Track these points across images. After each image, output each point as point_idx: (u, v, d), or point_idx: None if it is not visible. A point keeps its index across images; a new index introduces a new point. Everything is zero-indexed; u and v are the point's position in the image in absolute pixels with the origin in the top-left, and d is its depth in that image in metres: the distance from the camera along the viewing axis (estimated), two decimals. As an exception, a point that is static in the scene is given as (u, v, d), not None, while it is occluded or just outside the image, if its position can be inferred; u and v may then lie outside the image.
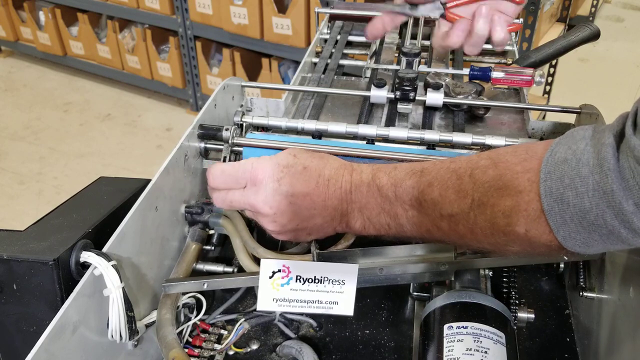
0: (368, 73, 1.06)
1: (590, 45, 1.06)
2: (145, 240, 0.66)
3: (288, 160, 0.63)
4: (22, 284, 0.57)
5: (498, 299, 0.64)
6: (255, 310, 0.74)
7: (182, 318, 0.72)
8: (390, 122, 0.89)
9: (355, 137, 0.83)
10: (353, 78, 1.09)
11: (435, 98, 0.87)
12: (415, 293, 0.75)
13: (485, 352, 0.57)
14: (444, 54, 1.09)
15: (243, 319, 0.73)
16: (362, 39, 1.22)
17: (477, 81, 0.93)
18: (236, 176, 0.64)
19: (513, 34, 1.18)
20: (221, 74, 2.88)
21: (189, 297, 0.71)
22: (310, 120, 0.84)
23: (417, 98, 0.88)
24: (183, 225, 0.77)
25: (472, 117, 0.93)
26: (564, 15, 2.64)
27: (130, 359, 0.65)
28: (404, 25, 1.14)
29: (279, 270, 0.63)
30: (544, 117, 1.86)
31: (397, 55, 1.09)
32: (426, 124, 0.90)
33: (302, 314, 0.73)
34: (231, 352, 0.71)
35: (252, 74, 2.82)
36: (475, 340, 0.58)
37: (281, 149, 0.75)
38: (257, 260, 0.70)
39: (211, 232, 0.78)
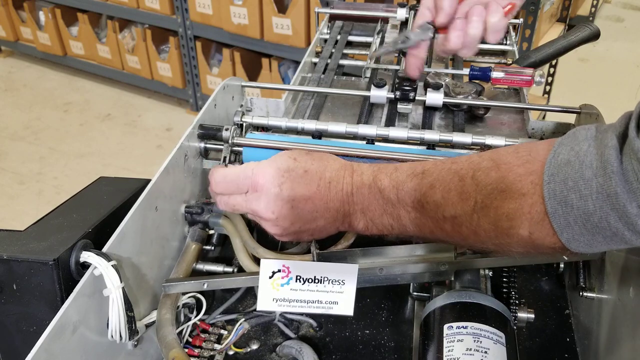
0: (368, 73, 1.06)
1: (590, 45, 1.06)
2: (145, 240, 0.66)
3: (288, 164, 0.63)
4: (22, 284, 0.57)
5: (498, 299, 0.64)
6: (255, 310, 0.74)
7: (182, 318, 0.72)
8: (390, 122, 0.89)
9: (355, 137, 0.83)
10: (353, 78, 1.09)
11: (435, 98, 0.87)
12: (415, 293, 0.75)
13: (485, 352, 0.57)
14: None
15: (243, 319, 0.73)
16: (362, 39, 1.22)
17: (477, 81, 0.93)
18: (237, 182, 0.64)
19: (513, 33, 1.18)
20: (221, 74, 2.88)
21: (189, 297, 0.71)
22: (310, 120, 0.84)
23: (417, 98, 0.88)
24: (183, 225, 0.77)
25: (472, 117, 0.93)
26: (564, 15, 2.64)
27: (130, 359, 0.65)
28: (404, 25, 1.14)
29: (279, 270, 0.62)
30: (544, 117, 1.86)
31: (397, 55, 1.09)
32: (426, 124, 0.90)
33: (302, 314, 0.73)
34: (231, 352, 0.71)
35: (252, 74, 2.82)
36: (475, 340, 0.58)
37: (281, 149, 0.75)
38: (257, 260, 0.71)
39: (211, 232, 0.78)
